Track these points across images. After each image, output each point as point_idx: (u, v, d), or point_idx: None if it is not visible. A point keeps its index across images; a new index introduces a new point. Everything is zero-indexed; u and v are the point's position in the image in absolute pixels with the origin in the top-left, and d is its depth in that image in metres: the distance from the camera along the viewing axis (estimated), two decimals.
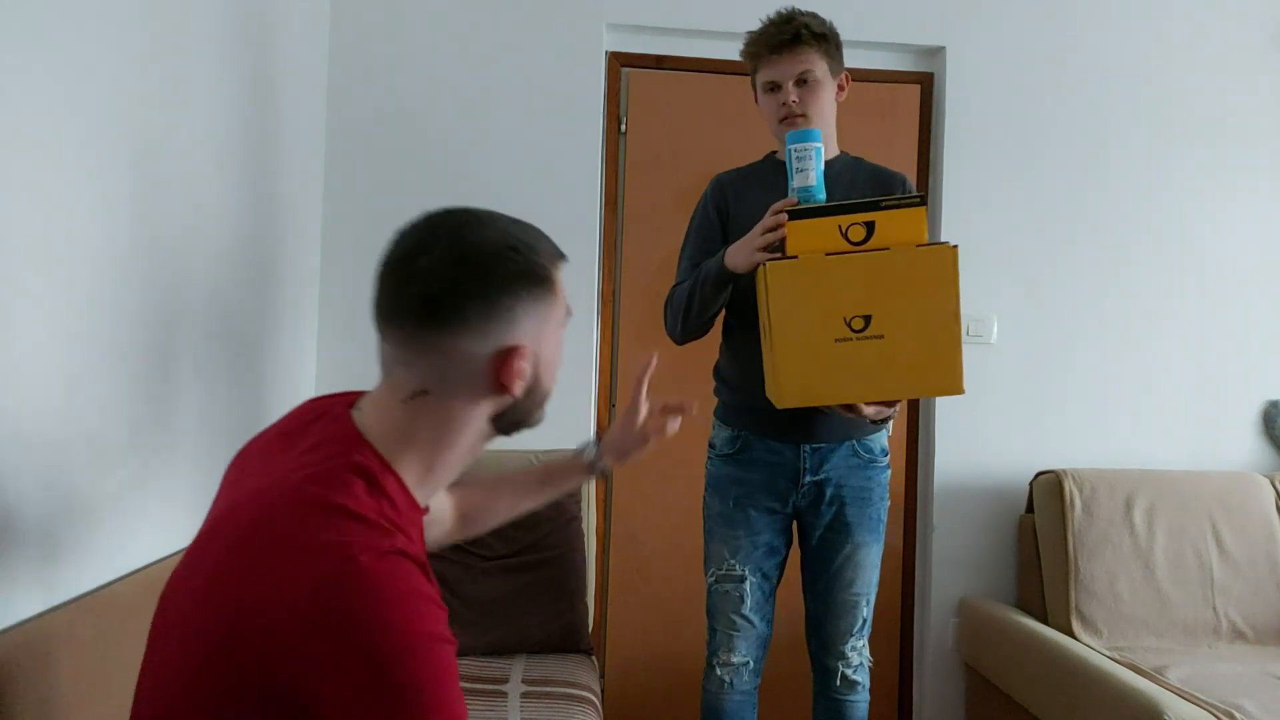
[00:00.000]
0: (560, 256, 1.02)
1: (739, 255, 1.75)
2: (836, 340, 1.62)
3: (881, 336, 1.61)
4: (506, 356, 0.95)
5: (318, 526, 0.85)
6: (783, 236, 1.66)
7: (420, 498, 0.99)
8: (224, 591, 0.85)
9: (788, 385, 1.65)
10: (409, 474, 0.96)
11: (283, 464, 0.95)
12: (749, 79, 1.93)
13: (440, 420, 0.97)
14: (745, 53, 1.90)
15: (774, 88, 1.86)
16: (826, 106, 1.87)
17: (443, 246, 0.95)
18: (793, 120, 1.84)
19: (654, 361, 1.45)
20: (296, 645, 0.80)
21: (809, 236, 1.63)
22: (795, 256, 1.63)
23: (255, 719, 0.81)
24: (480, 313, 0.93)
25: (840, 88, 1.91)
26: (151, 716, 0.89)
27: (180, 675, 0.86)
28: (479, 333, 0.94)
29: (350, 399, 1.02)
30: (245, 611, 0.82)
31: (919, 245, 1.62)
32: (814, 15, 1.86)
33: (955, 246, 1.62)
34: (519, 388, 0.97)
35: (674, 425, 1.45)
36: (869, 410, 1.71)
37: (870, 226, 1.62)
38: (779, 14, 1.87)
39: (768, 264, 1.63)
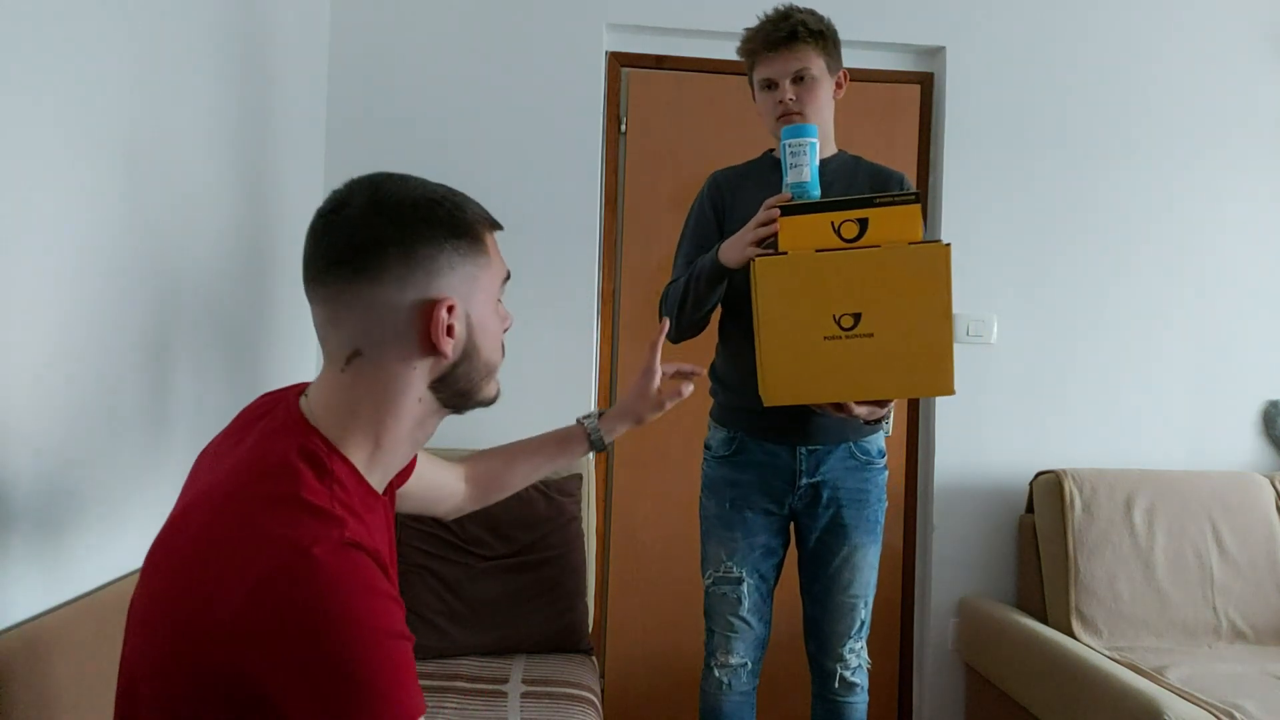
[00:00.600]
0: (492, 223, 1.00)
1: (732, 250, 1.74)
2: (825, 338, 1.60)
3: (871, 335, 1.59)
4: (430, 309, 0.93)
5: (269, 518, 0.84)
6: (776, 232, 1.65)
7: (374, 481, 0.97)
8: (182, 589, 0.85)
9: (774, 383, 1.63)
10: (358, 455, 0.95)
11: (233, 458, 0.94)
12: (746, 76, 1.93)
13: (378, 385, 0.95)
14: (742, 50, 1.89)
15: (770, 85, 1.85)
16: (824, 104, 1.86)
17: (361, 199, 0.94)
18: (789, 118, 1.82)
19: (666, 326, 1.54)
20: (252, 639, 0.79)
21: (802, 233, 1.61)
22: (785, 253, 1.62)
23: (219, 711, 0.82)
24: (399, 259, 0.92)
25: (838, 85, 1.90)
26: (127, 714, 0.90)
27: (148, 672, 0.87)
28: (399, 281, 0.92)
29: (301, 388, 1.02)
30: (203, 607, 0.82)
31: (912, 243, 1.60)
32: (811, 12, 1.85)
33: (948, 245, 1.59)
34: (450, 347, 0.95)
35: (688, 388, 1.50)
36: (861, 410, 1.69)
37: (863, 224, 1.60)
38: (776, 11, 1.86)
39: (756, 260, 1.61)
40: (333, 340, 0.95)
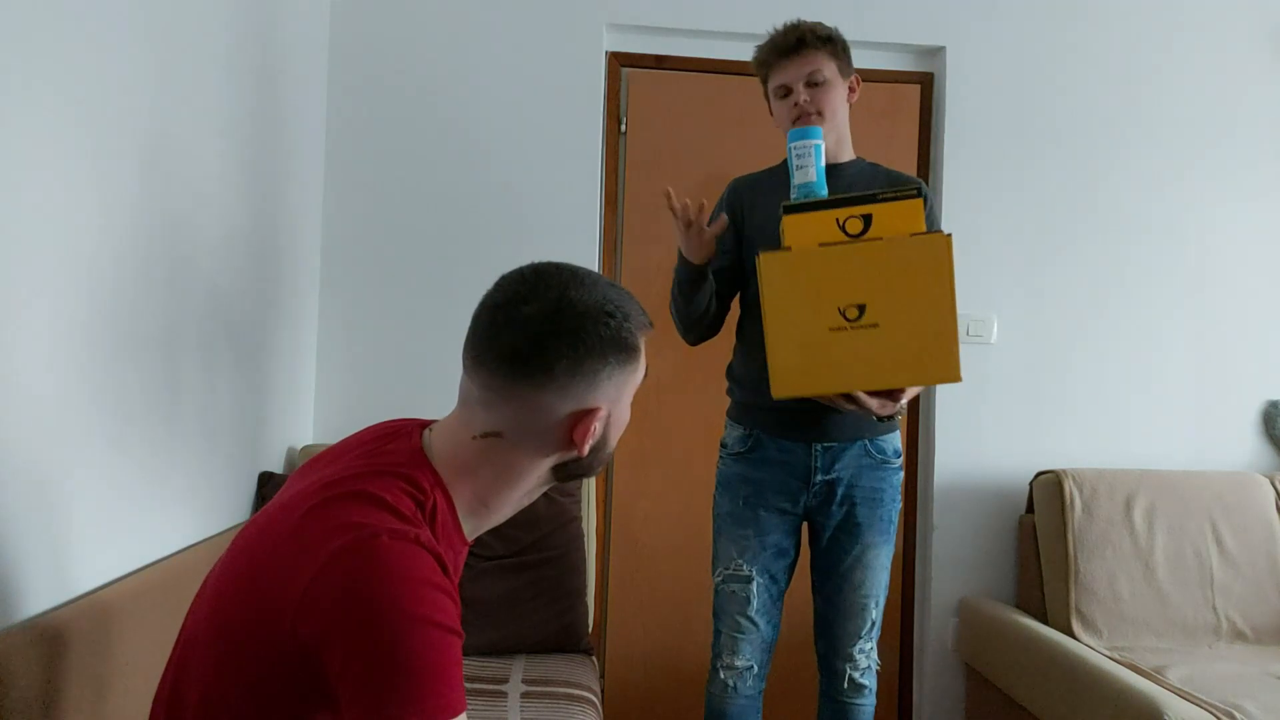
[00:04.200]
0: (649, 325, 1.05)
1: (685, 246, 1.80)
2: (831, 329, 1.61)
3: (876, 325, 1.60)
4: (583, 417, 0.99)
5: (348, 510, 0.90)
6: (690, 220, 1.70)
7: (468, 529, 1.02)
8: (264, 566, 0.91)
9: (782, 375, 1.64)
10: (461, 501, 1.00)
11: (342, 465, 1.00)
12: (760, 87, 1.96)
13: (505, 463, 1.00)
14: (756, 62, 1.94)
15: (786, 92, 1.88)
16: (839, 107, 1.89)
17: (543, 301, 0.97)
18: (807, 120, 1.85)
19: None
20: (314, 610, 0.84)
21: (807, 230, 1.63)
22: (790, 248, 1.63)
23: (278, 682, 0.87)
24: (567, 371, 0.97)
25: (851, 90, 1.93)
26: (181, 683, 0.94)
27: (209, 638, 0.92)
28: (562, 390, 0.97)
29: (425, 423, 1.07)
30: (278, 582, 0.88)
31: (913, 234, 1.61)
32: (818, 22, 1.90)
33: (949, 235, 1.61)
34: (588, 447, 1.00)
35: None
36: (872, 403, 1.70)
37: (868, 219, 1.62)
38: (784, 24, 1.90)
39: (761, 256, 1.63)
40: (479, 413, 1.00)
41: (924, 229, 1.63)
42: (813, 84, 1.86)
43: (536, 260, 1.05)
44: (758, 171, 2.01)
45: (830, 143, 1.89)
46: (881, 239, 1.60)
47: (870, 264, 1.60)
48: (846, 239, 1.62)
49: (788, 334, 1.63)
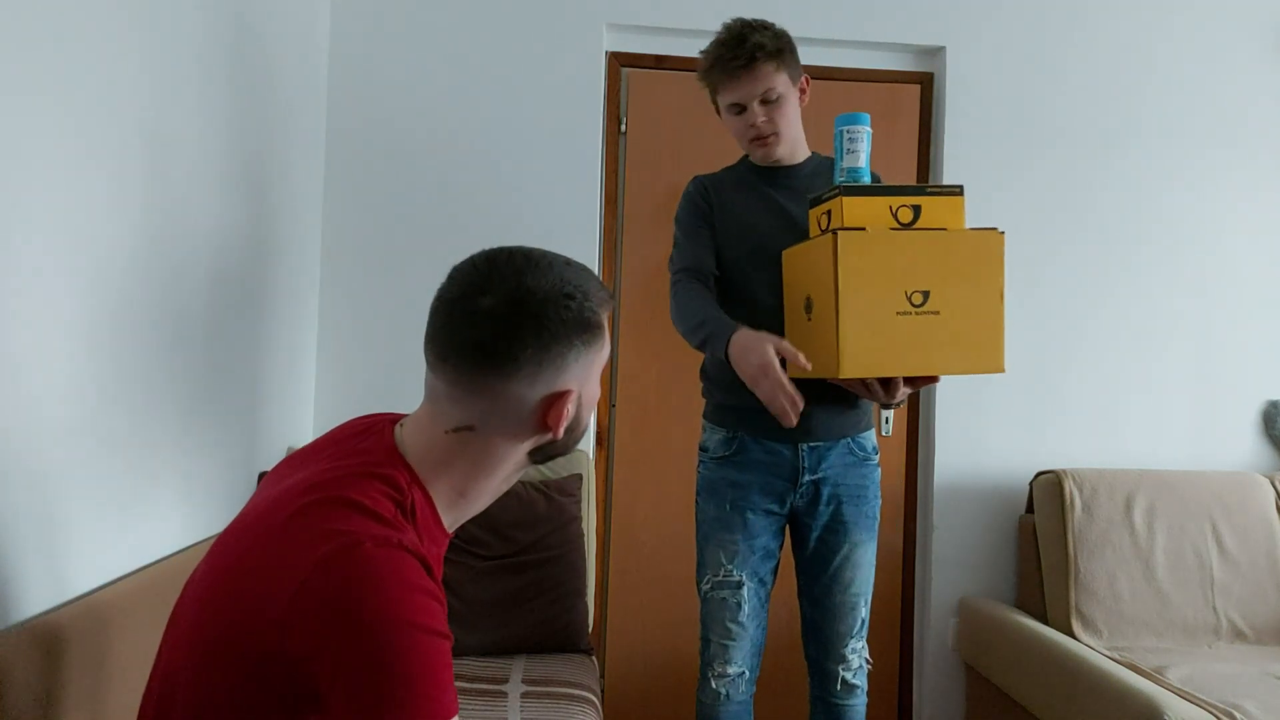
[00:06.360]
0: (610, 299, 1.04)
1: (748, 370, 1.69)
2: (898, 313, 1.66)
3: (938, 313, 1.66)
4: (555, 401, 0.98)
5: (330, 516, 0.89)
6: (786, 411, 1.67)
7: (448, 521, 1.02)
8: (244, 576, 0.90)
9: (852, 355, 1.66)
10: (440, 495, 1.00)
11: (318, 466, 0.98)
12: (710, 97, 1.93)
13: (480, 454, 1.00)
14: (701, 78, 1.89)
15: (740, 110, 1.86)
16: (794, 117, 1.89)
17: (500, 291, 0.96)
18: (764, 140, 1.85)
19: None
20: (300, 623, 0.83)
21: (863, 213, 1.68)
22: (863, 229, 1.66)
23: (259, 692, 0.86)
24: (534, 360, 0.96)
25: (801, 91, 1.91)
26: (167, 693, 0.93)
27: (198, 652, 0.91)
28: (530, 378, 0.97)
29: (397, 418, 1.06)
30: (261, 594, 0.86)
31: (969, 229, 1.69)
32: (764, 28, 1.83)
33: (1003, 232, 1.69)
34: (562, 428, 1.00)
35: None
36: (900, 392, 1.72)
37: (917, 210, 1.68)
38: (729, 33, 1.83)
39: (840, 232, 1.64)
40: (448, 409, 0.99)
41: (964, 224, 1.70)
42: (766, 102, 1.84)
43: None
44: (718, 171, 2.01)
45: (785, 150, 1.90)
46: (945, 229, 1.67)
47: (935, 252, 1.66)
48: (899, 226, 1.68)
49: (861, 314, 1.66)
